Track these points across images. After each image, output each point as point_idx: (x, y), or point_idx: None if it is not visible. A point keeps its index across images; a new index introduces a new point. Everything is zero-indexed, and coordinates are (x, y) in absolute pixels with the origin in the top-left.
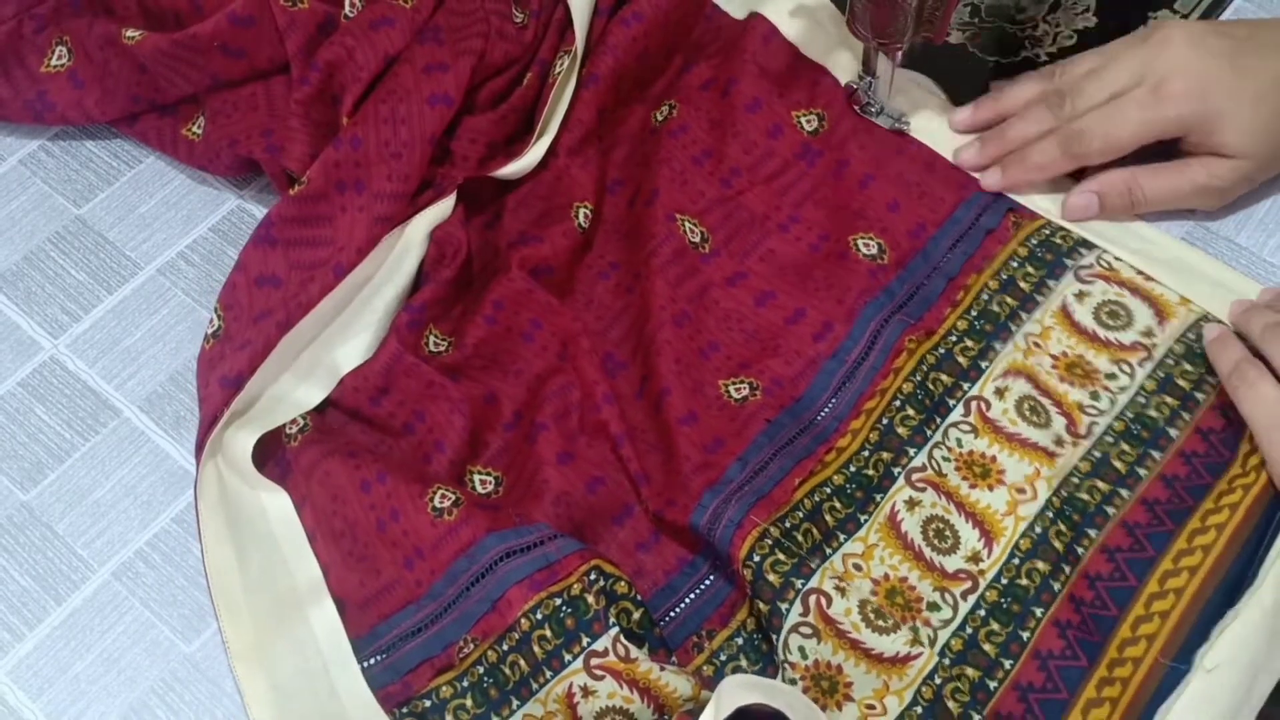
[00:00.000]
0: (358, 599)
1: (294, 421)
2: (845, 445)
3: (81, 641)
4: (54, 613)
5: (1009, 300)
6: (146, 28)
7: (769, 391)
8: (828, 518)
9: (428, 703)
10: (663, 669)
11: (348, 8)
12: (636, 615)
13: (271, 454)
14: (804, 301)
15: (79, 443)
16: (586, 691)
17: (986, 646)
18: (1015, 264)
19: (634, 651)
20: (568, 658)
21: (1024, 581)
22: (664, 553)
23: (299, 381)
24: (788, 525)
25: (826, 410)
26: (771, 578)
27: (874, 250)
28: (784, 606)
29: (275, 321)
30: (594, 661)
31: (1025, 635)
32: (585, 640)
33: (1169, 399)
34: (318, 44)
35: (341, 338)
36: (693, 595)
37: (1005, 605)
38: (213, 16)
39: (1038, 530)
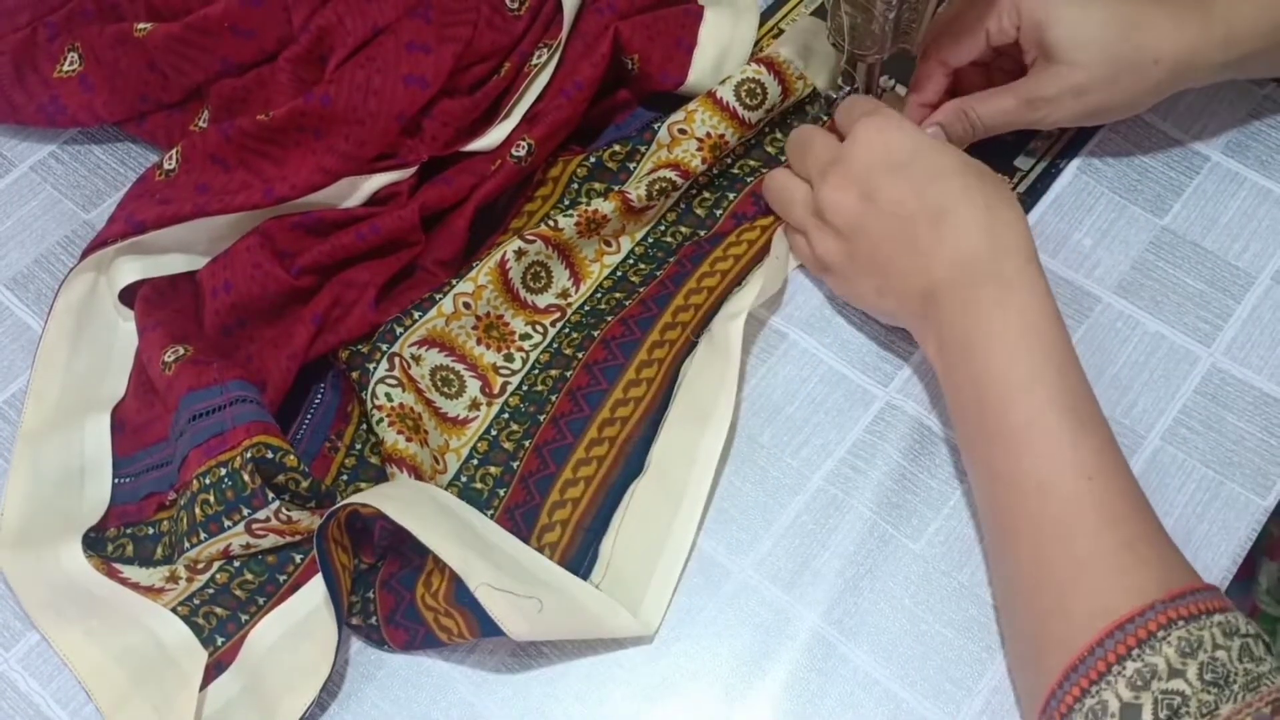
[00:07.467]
0: (135, 423)
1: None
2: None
3: None
4: None
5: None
6: None
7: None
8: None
9: (150, 530)
10: (313, 514)
11: None
12: (306, 484)
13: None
14: None
15: None
16: (249, 546)
17: (567, 350)
18: None
19: (295, 514)
20: (228, 524)
21: (603, 308)
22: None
23: (183, 254)
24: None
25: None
26: (364, 347)
27: None
28: (371, 366)
29: (196, 204)
30: (256, 526)
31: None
32: (246, 511)
33: (751, 161)
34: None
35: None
36: (310, 414)
37: (585, 323)
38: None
39: (619, 273)
